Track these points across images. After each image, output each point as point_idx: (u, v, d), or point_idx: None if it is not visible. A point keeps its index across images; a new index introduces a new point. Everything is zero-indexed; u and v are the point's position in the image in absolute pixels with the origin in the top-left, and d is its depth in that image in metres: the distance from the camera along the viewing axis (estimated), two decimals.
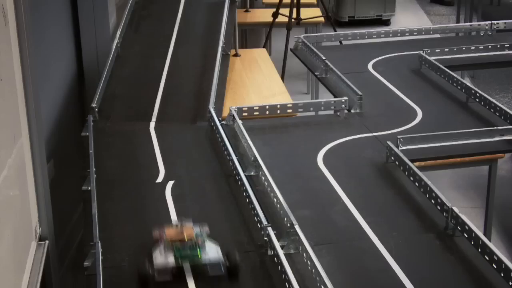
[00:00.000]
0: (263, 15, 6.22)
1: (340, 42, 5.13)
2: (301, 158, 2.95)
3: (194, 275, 2.14)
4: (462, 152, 3.04)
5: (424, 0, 9.53)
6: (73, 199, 3.32)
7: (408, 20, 8.58)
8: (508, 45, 4.09)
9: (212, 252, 2.16)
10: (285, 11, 5.87)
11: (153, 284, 2.09)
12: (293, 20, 5.86)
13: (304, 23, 6.02)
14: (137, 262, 2.16)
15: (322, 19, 6.04)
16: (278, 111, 3.34)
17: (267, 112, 3.32)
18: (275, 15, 5.90)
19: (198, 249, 2.14)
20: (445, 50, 4.03)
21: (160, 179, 2.75)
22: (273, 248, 2.22)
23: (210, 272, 2.14)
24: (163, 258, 2.12)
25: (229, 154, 2.84)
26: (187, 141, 3.12)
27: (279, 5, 5.87)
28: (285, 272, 2.09)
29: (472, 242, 2.26)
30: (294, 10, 5.85)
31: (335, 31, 5.78)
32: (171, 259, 2.12)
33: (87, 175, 2.71)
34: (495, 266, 2.15)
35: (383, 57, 4.15)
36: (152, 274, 2.10)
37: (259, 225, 2.36)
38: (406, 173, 2.71)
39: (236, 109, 3.23)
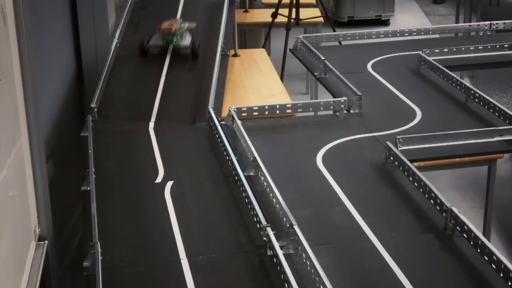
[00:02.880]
0: (262, 15, 6.22)
1: (339, 42, 5.13)
2: (300, 158, 2.94)
3: (173, 52, 3.79)
4: (462, 152, 3.04)
5: (423, 0, 9.54)
6: (73, 199, 3.33)
7: (407, 20, 8.59)
8: (507, 45, 4.08)
9: (185, 41, 3.75)
10: (284, 11, 5.87)
11: (147, 54, 3.79)
12: (292, 20, 5.86)
13: (303, 23, 6.02)
14: (140, 41, 3.82)
15: (321, 19, 6.04)
16: (277, 111, 3.34)
17: (266, 113, 3.32)
18: (274, 15, 5.90)
19: (175, 37, 3.71)
20: (444, 50, 4.02)
21: (159, 179, 2.75)
22: (272, 248, 2.21)
23: (182, 51, 3.77)
24: (156, 40, 3.76)
25: (228, 154, 2.84)
26: (187, 141, 3.12)
27: (278, 5, 5.87)
28: (284, 273, 2.08)
29: (471, 242, 2.26)
30: (294, 10, 5.85)
31: (334, 31, 5.78)
32: (160, 42, 3.76)
33: (87, 175, 2.71)
34: (494, 267, 2.15)
35: (382, 57, 4.15)
36: (148, 48, 3.77)
37: (258, 225, 2.36)
38: (405, 173, 2.71)
39: (235, 109, 3.23)
